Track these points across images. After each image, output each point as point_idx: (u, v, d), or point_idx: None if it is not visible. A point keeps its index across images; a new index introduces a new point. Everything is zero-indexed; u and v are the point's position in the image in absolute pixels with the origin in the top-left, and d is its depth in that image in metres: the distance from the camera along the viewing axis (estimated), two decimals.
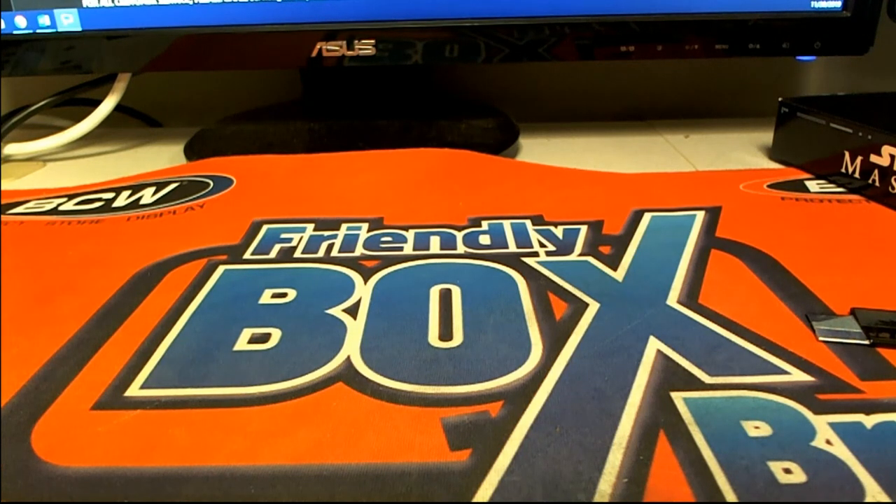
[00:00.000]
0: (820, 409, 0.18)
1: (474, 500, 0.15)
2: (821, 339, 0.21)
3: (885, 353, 0.21)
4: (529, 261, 0.27)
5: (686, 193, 0.34)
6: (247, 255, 0.28)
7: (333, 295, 0.25)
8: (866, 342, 0.21)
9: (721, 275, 0.26)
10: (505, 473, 0.16)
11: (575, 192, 0.35)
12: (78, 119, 0.46)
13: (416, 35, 0.41)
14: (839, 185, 0.35)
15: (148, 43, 0.41)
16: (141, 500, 0.16)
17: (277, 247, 0.29)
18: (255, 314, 0.24)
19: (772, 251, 0.28)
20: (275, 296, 0.25)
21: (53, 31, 0.41)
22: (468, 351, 0.21)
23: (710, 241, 0.29)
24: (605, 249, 0.28)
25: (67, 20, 0.41)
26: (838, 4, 0.40)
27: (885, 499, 0.15)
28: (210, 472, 0.16)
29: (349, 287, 0.25)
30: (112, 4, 0.41)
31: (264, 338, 0.22)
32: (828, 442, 0.17)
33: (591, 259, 0.27)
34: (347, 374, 0.20)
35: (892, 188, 0.32)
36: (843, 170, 0.35)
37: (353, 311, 0.24)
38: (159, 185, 0.37)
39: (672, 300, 0.24)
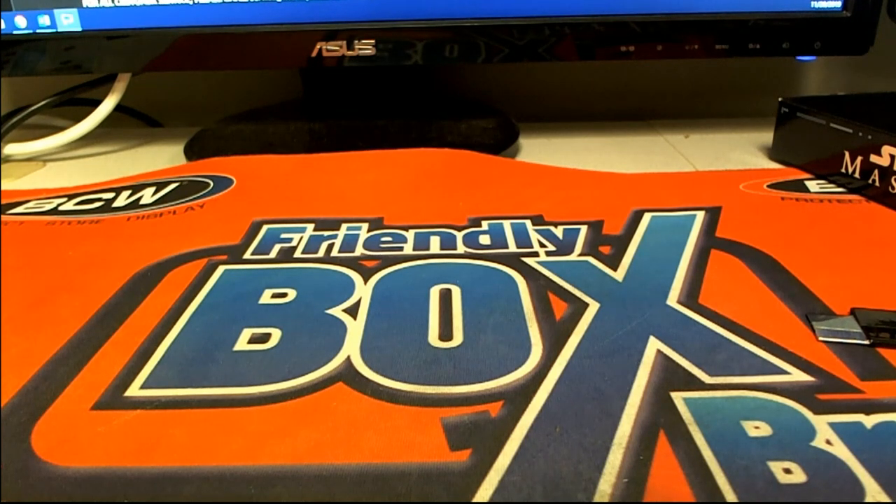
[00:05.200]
0: (820, 409, 0.18)
1: (474, 500, 0.15)
2: (821, 339, 0.21)
3: (885, 353, 0.21)
4: (529, 261, 0.27)
5: (686, 193, 0.34)
6: (247, 255, 0.28)
7: (333, 295, 0.25)
8: (866, 342, 0.21)
9: (721, 275, 0.26)
10: (505, 473, 0.16)
11: (575, 192, 0.35)
12: (78, 119, 0.46)
13: (416, 35, 0.41)
14: (839, 185, 0.35)
15: (148, 43, 0.41)
16: (141, 500, 0.16)
17: (277, 247, 0.29)
18: (255, 314, 0.24)
19: (772, 251, 0.28)
20: (275, 296, 0.25)
21: (53, 31, 0.41)
22: (468, 351, 0.21)
23: (710, 241, 0.29)
24: (605, 249, 0.28)
25: (67, 20, 0.41)
26: (838, 4, 0.40)
27: (885, 499, 0.15)
28: (210, 472, 0.16)
29: (349, 287, 0.25)
30: (112, 4, 0.41)
31: (264, 338, 0.22)
32: (828, 442, 0.17)
33: (591, 259, 0.27)
34: (347, 374, 0.20)
35: (892, 188, 0.32)
36: (843, 170, 0.35)
37: (353, 311, 0.24)
38: (159, 185, 0.37)
39: (672, 300, 0.24)
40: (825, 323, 0.22)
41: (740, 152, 0.43)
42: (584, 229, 0.30)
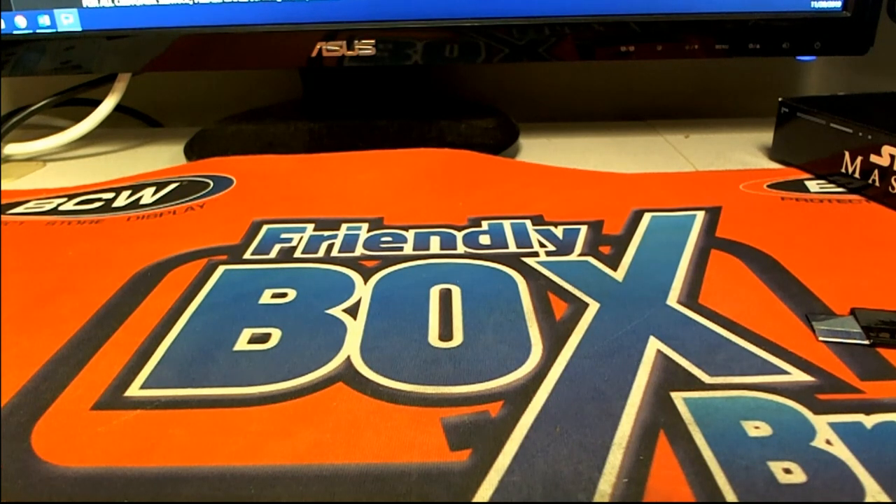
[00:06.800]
0: (820, 409, 0.18)
1: (474, 500, 0.15)
2: (821, 339, 0.21)
3: (885, 353, 0.21)
4: (529, 261, 0.27)
5: (686, 193, 0.34)
6: (247, 255, 0.28)
7: (333, 295, 0.25)
8: (866, 342, 0.21)
9: (721, 275, 0.26)
10: (505, 473, 0.16)
11: (575, 192, 0.35)
12: (78, 119, 0.46)
13: (416, 35, 0.41)
14: (839, 185, 0.35)
15: (148, 43, 0.41)
16: (141, 500, 0.16)
17: (277, 247, 0.29)
18: (255, 314, 0.24)
19: (772, 251, 0.28)
20: (275, 296, 0.25)
21: (53, 31, 0.41)
22: (468, 351, 0.21)
23: (710, 241, 0.29)
24: (605, 249, 0.28)
25: (67, 20, 0.41)
26: (838, 4, 0.40)
27: (885, 499, 0.15)
28: (210, 472, 0.16)
29: (349, 287, 0.25)
30: (112, 4, 0.41)
31: (264, 338, 0.22)
32: (828, 442, 0.17)
33: (591, 259, 0.27)
34: (347, 374, 0.20)
35: (892, 188, 0.32)
36: (843, 170, 0.35)
37: (353, 311, 0.24)
38: (159, 185, 0.37)
39: (672, 300, 0.24)
40: (825, 323, 0.22)
41: (740, 152, 0.43)
42: (584, 229, 0.30)
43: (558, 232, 0.30)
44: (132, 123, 0.56)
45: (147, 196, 0.36)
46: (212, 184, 0.37)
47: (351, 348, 0.21)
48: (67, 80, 0.45)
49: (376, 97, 0.51)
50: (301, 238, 0.30)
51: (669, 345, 0.21)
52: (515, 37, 0.41)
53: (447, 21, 0.40)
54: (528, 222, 0.31)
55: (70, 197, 0.36)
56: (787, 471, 0.16)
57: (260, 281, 0.26)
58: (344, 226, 0.31)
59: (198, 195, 0.35)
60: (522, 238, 0.29)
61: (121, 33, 0.41)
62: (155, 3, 0.40)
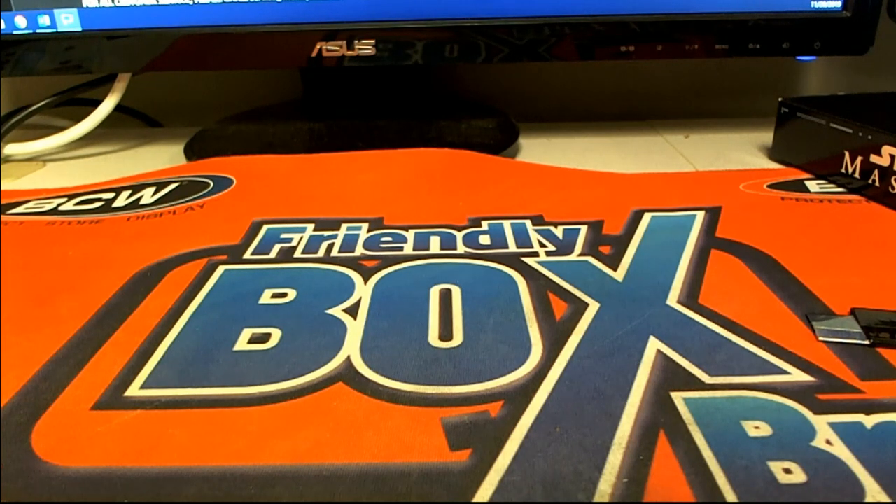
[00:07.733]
0: (820, 409, 0.18)
1: (474, 500, 0.15)
2: (821, 339, 0.21)
3: (885, 353, 0.21)
4: (529, 261, 0.27)
5: (686, 193, 0.34)
6: (247, 255, 0.28)
7: (333, 295, 0.25)
8: (866, 342, 0.21)
9: (721, 275, 0.26)
10: (505, 473, 0.16)
11: (575, 192, 0.35)
12: (78, 119, 0.46)
13: (416, 35, 0.41)
14: (839, 185, 0.35)
15: (148, 43, 0.41)
16: (141, 500, 0.16)
17: (277, 247, 0.29)
18: (255, 314, 0.24)
19: (772, 251, 0.28)
20: (275, 296, 0.25)
21: (53, 31, 0.41)
22: (468, 351, 0.21)
23: (710, 241, 0.29)
24: (605, 249, 0.28)
25: (67, 20, 0.41)
26: (838, 4, 0.40)
27: (885, 499, 0.15)
28: (210, 472, 0.16)
29: (349, 287, 0.25)
30: (112, 4, 0.41)
31: (264, 338, 0.22)
32: (828, 442, 0.17)
33: (591, 259, 0.27)
34: (347, 374, 0.20)
35: (892, 188, 0.32)
36: (843, 170, 0.35)
37: (353, 311, 0.24)
38: (159, 185, 0.37)
39: (672, 300, 0.24)
40: (825, 323, 0.22)
41: (740, 152, 0.43)
42: (584, 229, 0.30)
43: (558, 232, 0.30)
44: (132, 123, 0.56)
45: (147, 196, 0.36)
46: (212, 184, 0.37)
47: (351, 348, 0.21)
48: (67, 80, 0.45)
49: (376, 97, 0.51)
50: (301, 238, 0.30)
51: (669, 345, 0.21)
52: (515, 37, 0.41)
53: (447, 21, 0.40)
54: (528, 222, 0.31)
55: (70, 197, 0.36)
56: (787, 471, 0.16)
57: (260, 281, 0.26)
58: (344, 226, 0.31)
59: (198, 195, 0.35)
60: (522, 238, 0.29)
61: (121, 33, 0.41)
62: (155, 3, 0.40)
